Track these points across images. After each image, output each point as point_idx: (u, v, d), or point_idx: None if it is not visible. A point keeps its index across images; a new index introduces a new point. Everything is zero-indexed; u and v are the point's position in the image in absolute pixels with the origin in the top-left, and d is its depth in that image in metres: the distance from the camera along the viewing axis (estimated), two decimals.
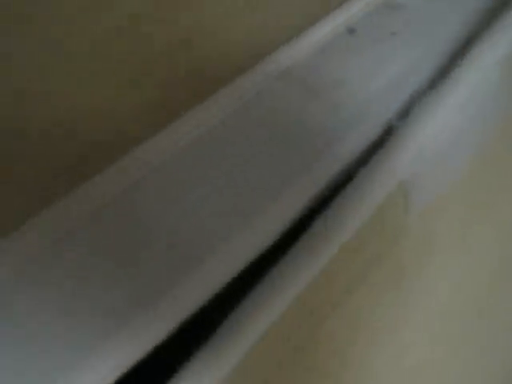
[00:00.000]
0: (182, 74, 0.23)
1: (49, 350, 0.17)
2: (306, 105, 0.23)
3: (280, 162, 0.21)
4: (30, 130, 0.21)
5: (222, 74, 0.23)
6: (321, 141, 0.22)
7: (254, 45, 0.25)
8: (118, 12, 0.22)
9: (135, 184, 0.21)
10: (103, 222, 0.20)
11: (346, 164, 0.22)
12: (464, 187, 0.28)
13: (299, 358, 0.21)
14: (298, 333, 0.20)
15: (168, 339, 0.19)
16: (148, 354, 0.18)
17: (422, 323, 0.27)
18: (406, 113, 0.24)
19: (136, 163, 0.21)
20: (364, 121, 0.23)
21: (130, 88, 0.22)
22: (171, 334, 0.19)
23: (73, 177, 0.21)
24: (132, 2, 0.22)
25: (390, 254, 0.23)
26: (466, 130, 0.26)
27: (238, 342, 0.19)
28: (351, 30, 0.27)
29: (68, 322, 0.18)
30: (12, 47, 0.20)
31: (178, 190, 0.21)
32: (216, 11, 0.24)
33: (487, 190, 0.30)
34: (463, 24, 0.28)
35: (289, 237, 0.21)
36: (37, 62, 0.20)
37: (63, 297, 0.18)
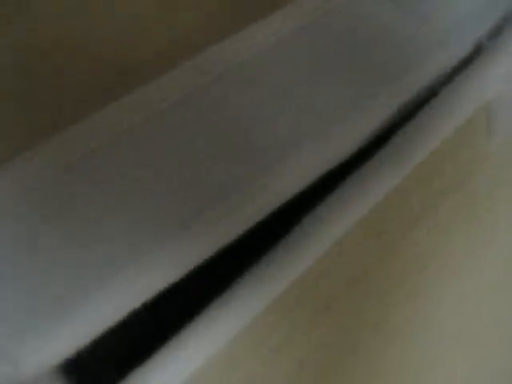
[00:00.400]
0: None
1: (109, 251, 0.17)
2: (396, 17, 0.22)
3: (368, 70, 0.20)
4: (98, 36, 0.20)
5: None
6: (410, 53, 0.21)
7: None
8: None
9: (211, 82, 0.20)
10: (170, 120, 0.19)
11: (434, 78, 0.21)
12: None
13: (369, 279, 0.20)
14: (375, 245, 0.20)
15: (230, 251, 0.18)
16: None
17: (493, 267, 0.26)
18: (497, 32, 0.23)
19: (209, 62, 0.20)
20: (454, 37, 0.22)
21: None
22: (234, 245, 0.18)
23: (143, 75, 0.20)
24: None
25: (470, 177, 0.22)
26: None
27: (305, 252, 0.19)
28: None
29: (133, 223, 0.17)
30: None
31: (253, 94, 0.20)
32: None
33: None
34: None
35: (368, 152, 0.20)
36: None
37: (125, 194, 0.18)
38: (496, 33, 0.23)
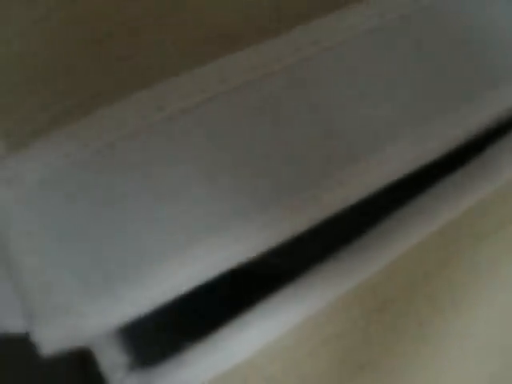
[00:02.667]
0: None
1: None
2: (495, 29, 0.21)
3: (451, 78, 0.20)
4: None
5: None
6: (499, 69, 0.20)
7: None
8: None
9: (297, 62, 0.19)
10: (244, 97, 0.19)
11: None
12: None
13: (427, 285, 0.20)
14: (441, 255, 0.20)
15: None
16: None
17: None
18: None
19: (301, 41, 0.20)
20: None
21: None
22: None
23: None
24: None
25: None
26: None
27: (375, 259, 0.19)
28: None
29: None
30: None
31: (344, 79, 0.19)
32: None
33: None
34: None
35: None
36: None
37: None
38: None
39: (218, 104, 0.18)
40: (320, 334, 0.19)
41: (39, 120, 0.17)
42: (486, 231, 0.20)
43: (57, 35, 0.19)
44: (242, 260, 0.17)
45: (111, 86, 0.18)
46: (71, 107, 0.18)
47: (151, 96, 0.18)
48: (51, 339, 0.15)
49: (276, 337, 0.18)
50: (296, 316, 0.18)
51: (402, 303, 0.20)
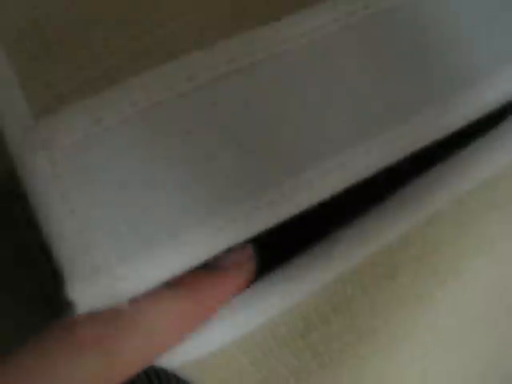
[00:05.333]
0: None
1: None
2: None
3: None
4: None
5: None
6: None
7: None
8: None
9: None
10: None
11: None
12: None
13: (433, 257, 0.21)
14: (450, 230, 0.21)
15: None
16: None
17: None
18: None
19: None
20: None
21: None
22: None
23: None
24: None
25: None
26: None
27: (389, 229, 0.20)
28: None
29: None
30: None
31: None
32: None
33: None
34: None
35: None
36: None
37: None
38: None
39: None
40: (332, 300, 0.20)
41: (65, 86, 0.18)
42: (497, 204, 0.21)
43: (80, 5, 0.19)
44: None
45: (136, 58, 0.18)
46: (95, 76, 0.18)
47: (180, 67, 0.18)
48: (87, 298, 0.16)
49: (291, 302, 0.19)
50: (311, 283, 0.19)
51: (410, 272, 0.21)
